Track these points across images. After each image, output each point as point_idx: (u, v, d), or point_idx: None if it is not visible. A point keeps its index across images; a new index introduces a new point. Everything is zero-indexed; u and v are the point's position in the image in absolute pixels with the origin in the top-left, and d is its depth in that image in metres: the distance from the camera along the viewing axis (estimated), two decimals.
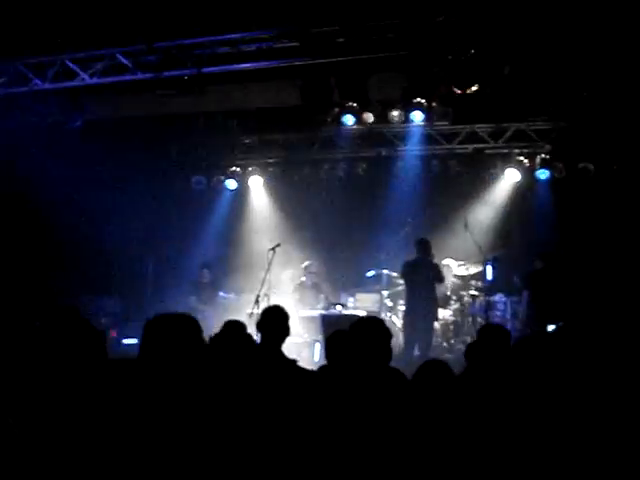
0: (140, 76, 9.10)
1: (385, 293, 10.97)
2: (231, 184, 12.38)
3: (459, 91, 8.23)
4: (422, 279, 9.74)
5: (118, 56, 9.02)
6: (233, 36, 8.41)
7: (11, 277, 10.40)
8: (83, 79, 9.29)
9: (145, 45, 8.75)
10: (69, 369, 3.69)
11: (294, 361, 4.81)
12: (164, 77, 8.88)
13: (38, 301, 9.00)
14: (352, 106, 10.18)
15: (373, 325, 3.84)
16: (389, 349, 3.78)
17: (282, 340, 4.96)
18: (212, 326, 4.72)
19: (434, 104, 10.06)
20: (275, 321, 5.04)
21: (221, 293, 11.34)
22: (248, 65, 8.56)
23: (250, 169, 12.22)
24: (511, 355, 4.53)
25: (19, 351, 4.11)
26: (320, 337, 9.66)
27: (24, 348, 4.14)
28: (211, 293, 11.39)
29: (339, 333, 4.66)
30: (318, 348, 9.55)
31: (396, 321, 10.77)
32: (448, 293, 10.85)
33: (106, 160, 10.85)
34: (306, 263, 11.19)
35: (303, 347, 10.08)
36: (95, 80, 9.26)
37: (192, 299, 11.06)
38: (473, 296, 10.75)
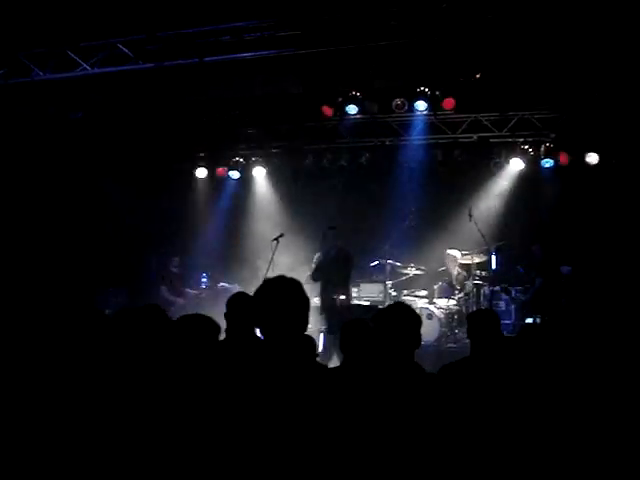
0: (142, 66, 9.05)
1: (389, 283, 10.95)
2: (234, 174, 12.36)
3: (463, 79, 8.16)
4: (334, 270, 9.39)
5: (119, 46, 8.96)
6: (235, 25, 8.35)
7: (21, 271, 10.43)
8: (84, 69, 9.26)
9: (146, 34, 8.70)
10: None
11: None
12: (166, 66, 8.85)
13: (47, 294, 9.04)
14: (355, 95, 10.15)
15: (403, 311, 3.84)
16: (419, 335, 3.78)
17: (252, 325, 4.93)
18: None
19: (438, 93, 10.00)
20: (241, 308, 4.99)
21: (223, 283, 11.36)
22: (250, 54, 8.50)
23: (253, 159, 12.18)
24: (515, 343, 4.54)
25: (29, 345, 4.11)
26: (324, 327, 9.65)
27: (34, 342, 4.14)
28: (180, 284, 11.51)
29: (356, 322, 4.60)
30: (322, 338, 9.53)
31: None
32: (453, 283, 10.83)
33: (109, 152, 10.84)
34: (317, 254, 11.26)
35: None
36: (96, 70, 9.23)
37: (163, 289, 11.24)
38: (477, 286, 10.73)
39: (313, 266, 9.50)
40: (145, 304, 4.72)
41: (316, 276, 9.42)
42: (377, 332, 3.72)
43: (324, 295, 9.29)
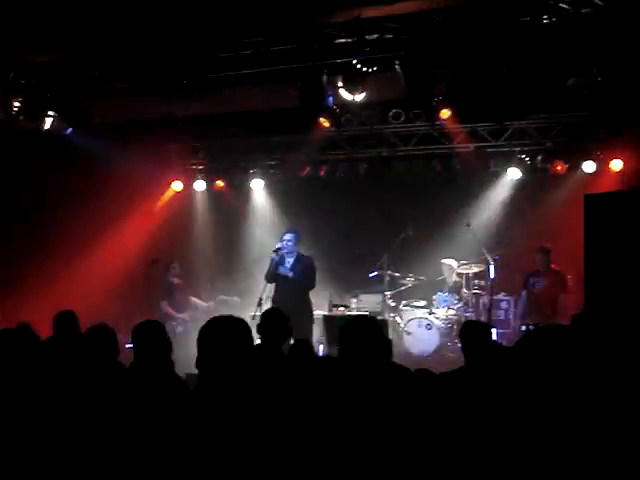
0: (141, 82, 9.10)
1: (388, 294, 10.99)
2: (232, 187, 12.42)
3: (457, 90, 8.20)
4: (291, 279, 9.16)
5: (117, 63, 9.00)
6: (233, 41, 8.40)
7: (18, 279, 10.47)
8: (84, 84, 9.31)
9: (146, 51, 8.75)
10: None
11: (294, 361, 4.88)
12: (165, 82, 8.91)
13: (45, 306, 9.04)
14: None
15: (362, 324, 3.82)
16: (382, 346, 3.76)
17: (282, 341, 5.03)
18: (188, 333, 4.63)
19: (434, 104, 10.04)
20: (275, 323, 5.12)
21: (223, 296, 11.31)
22: (247, 70, 8.55)
23: (251, 171, 12.23)
24: (515, 352, 4.55)
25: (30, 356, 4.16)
26: (323, 338, 9.67)
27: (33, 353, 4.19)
28: (183, 297, 10.93)
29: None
30: (322, 349, 9.55)
31: (400, 321, 10.80)
32: (451, 292, 10.86)
33: (108, 164, 10.87)
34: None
35: None
36: (96, 86, 9.27)
37: (163, 304, 10.67)
38: (476, 295, 10.76)
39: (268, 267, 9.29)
40: (144, 320, 4.77)
41: (270, 279, 9.21)
42: (341, 347, 3.71)
43: (277, 302, 8.93)
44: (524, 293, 9.92)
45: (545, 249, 9.82)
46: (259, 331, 5.13)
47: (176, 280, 11.00)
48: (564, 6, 6.95)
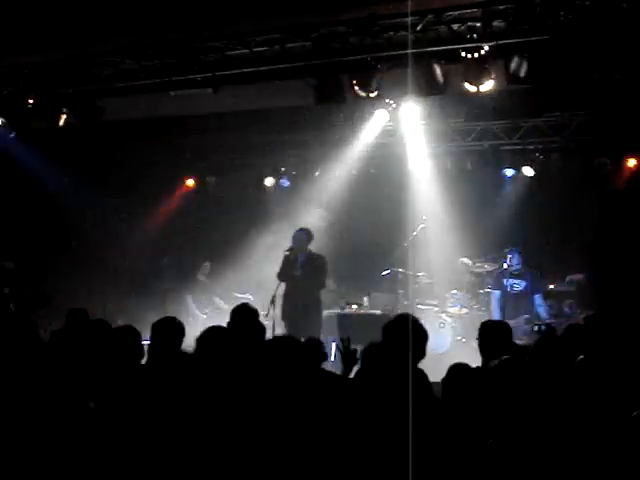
0: (153, 80, 9.11)
1: (400, 292, 10.95)
2: (246, 184, 12.43)
3: (473, 88, 8.15)
4: (302, 277, 9.12)
5: (129, 59, 9.02)
6: (246, 38, 8.40)
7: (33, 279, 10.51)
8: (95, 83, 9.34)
9: (158, 48, 8.76)
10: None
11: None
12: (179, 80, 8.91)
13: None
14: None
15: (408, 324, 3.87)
16: (424, 348, 3.83)
17: (259, 336, 5.01)
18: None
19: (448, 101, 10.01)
20: (245, 319, 5.07)
21: (236, 294, 11.31)
22: (261, 67, 8.54)
23: (265, 169, 12.24)
24: (530, 353, 4.53)
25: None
26: (336, 337, 9.65)
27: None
28: (206, 296, 11.06)
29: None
30: (334, 348, 9.53)
31: None
32: (464, 291, 10.81)
33: (121, 161, 10.92)
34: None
35: None
36: (107, 84, 9.30)
37: (189, 298, 10.84)
38: (489, 294, 10.70)
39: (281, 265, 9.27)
40: (163, 317, 4.77)
41: (282, 277, 9.13)
42: (385, 344, 3.73)
43: (286, 300, 9.00)
44: (498, 293, 9.90)
45: (519, 250, 9.81)
46: (229, 328, 5.03)
47: (203, 278, 11.17)
48: (581, 2, 6.88)
